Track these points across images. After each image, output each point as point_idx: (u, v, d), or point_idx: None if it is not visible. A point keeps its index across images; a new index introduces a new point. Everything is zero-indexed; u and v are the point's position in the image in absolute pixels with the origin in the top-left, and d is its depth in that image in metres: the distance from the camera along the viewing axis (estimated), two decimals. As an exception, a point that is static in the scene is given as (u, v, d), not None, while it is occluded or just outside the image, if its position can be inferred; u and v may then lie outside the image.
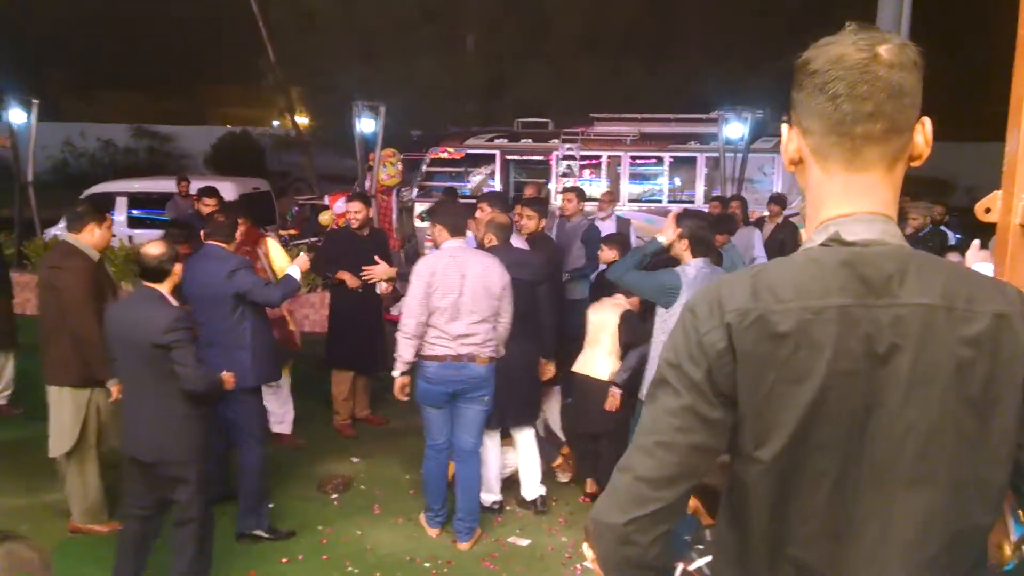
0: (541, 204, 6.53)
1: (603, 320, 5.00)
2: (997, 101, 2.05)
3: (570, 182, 11.51)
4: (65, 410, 4.42)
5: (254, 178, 13.19)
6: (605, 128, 12.54)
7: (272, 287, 4.71)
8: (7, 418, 6.26)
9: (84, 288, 4.32)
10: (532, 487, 5.07)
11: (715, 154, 11.18)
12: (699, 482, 1.25)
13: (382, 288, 6.14)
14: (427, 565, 4.40)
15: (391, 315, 9.07)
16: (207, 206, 6.85)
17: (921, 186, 12.90)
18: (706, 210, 9.00)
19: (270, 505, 4.96)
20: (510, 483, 5.22)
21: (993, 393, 1.15)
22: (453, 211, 4.72)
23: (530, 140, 12.75)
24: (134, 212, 11.57)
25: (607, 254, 5.58)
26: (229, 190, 9.98)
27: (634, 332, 4.85)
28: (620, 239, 5.92)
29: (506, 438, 5.17)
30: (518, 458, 5.13)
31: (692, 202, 11.73)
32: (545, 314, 5.14)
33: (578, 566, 4.40)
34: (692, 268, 4.32)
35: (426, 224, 11.74)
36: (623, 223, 7.77)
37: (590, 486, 5.23)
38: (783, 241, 8.08)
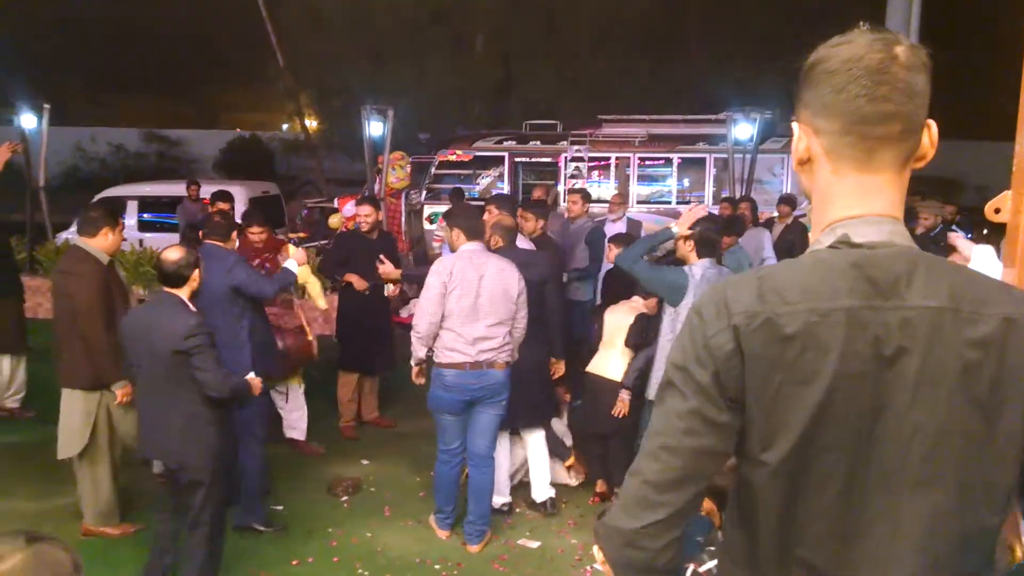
0: (539, 206, 6.55)
1: (619, 322, 5.01)
2: (1008, 99, 2.04)
3: (579, 184, 11.52)
4: (75, 412, 4.45)
5: (263, 182, 13.27)
6: (613, 129, 12.54)
7: (267, 279, 4.73)
8: (19, 421, 6.30)
9: (94, 293, 4.34)
10: (542, 489, 5.07)
11: (724, 155, 11.15)
12: (712, 484, 1.25)
13: (389, 290, 6.17)
14: (437, 567, 4.40)
15: (400, 317, 9.09)
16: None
17: (931, 185, 12.84)
18: (716, 211, 8.99)
19: (280, 507, 4.99)
20: (519, 485, 5.23)
21: (1000, 395, 1.15)
22: (469, 214, 4.69)
23: (538, 142, 12.76)
24: (145, 216, 11.66)
25: (615, 253, 5.58)
26: (238, 194, 10.05)
27: (641, 334, 4.86)
28: (628, 239, 5.91)
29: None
30: (528, 460, 5.13)
31: (701, 203, 11.71)
32: (553, 313, 5.15)
33: (588, 568, 4.39)
34: (698, 269, 4.37)
35: (434, 227, 11.80)
36: (634, 225, 7.77)
37: (600, 486, 5.23)
38: (793, 242, 8.06)
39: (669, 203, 12.03)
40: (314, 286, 5.90)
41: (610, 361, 5.03)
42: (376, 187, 10.72)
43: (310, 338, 5.67)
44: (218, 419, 3.72)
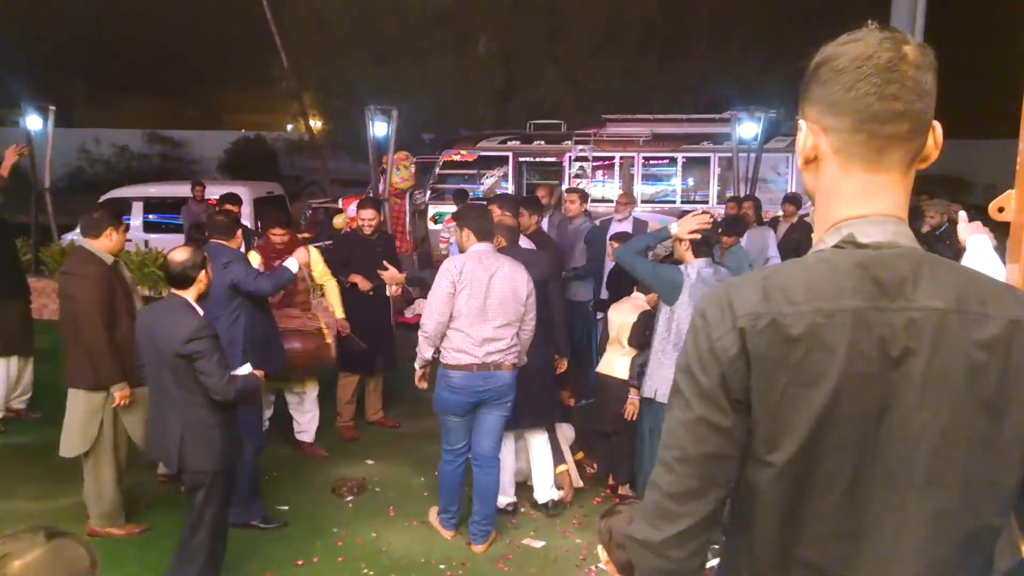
0: (534, 202, 6.55)
1: (624, 320, 5.03)
2: (1016, 98, 2.04)
3: (583, 183, 11.51)
4: (78, 412, 4.46)
5: (268, 182, 13.27)
6: (617, 129, 12.52)
7: (263, 277, 4.73)
8: (26, 422, 6.32)
9: (95, 294, 4.35)
10: (545, 489, 5.06)
11: (728, 154, 11.13)
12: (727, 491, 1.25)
13: (392, 291, 6.19)
14: (442, 567, 4.40)
15: (404, 317, 9.09)
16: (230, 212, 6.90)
17: (938, 184, 12.79)
18: (722, 211, 8.98)
19: (284, 507, 4.99)
20: (523, 485, 5.23)
21: (1006, 396, 1.15)
22: (480, 215, 4.68)
23: (543, 142, 12.75)
24: (149, 217, 11.68)
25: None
26: (243, 194, 10.02)
27: (644, 332, 4.86)
28: (628, 238, 5.92)
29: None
30: (531, 461, 5.13)
31: (706, 202, 11.70)
32: (556, 311, 5.14)
33: (592, 568, 4.39)
34: (694, 268, 4.40)
35: (439, 227, 11.80)
36: (640, 224, 7.76)
37: (610, 479, 5.30)
38: (798, 241, 8.04)
39: (673, 202, 12.01)
40: (332, 291, 5.92)
41: (615, 359, 5.06)
42: (380, 187, 10.73)
43: (328, 341, 5.62)
44: (222, 422, 3.69)
